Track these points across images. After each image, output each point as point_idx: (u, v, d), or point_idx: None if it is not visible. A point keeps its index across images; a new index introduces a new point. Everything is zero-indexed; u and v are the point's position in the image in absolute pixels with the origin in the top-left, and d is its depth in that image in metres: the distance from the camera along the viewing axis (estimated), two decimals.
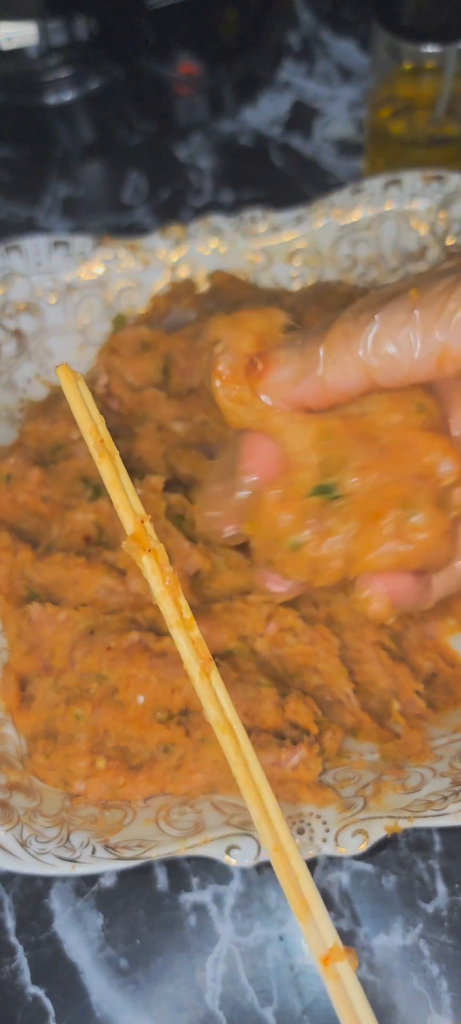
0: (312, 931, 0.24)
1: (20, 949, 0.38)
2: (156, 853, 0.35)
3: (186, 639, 0.26)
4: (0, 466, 0.46)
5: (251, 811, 0.25)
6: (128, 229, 0.65)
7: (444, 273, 0.26)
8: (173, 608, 0.26)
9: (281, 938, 0.38)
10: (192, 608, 0.41)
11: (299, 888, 0.25)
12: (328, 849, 0.34)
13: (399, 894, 0.38)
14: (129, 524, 0.26)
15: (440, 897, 0.38)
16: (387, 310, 0.26)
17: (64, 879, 0.39)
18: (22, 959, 0.38)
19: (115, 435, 0.48)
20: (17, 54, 0.62)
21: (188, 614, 0.26)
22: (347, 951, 0.24)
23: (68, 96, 0.65)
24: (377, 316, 0.26)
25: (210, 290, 0.53)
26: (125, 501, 0.26)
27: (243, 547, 0.43)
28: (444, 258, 0.52)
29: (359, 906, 0.38)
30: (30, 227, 0.65)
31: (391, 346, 0.25)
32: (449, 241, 0.52)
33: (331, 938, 0.24)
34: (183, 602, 0.26)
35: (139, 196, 0.67)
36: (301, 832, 0.35)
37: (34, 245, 0.52)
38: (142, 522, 0.26)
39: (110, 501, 0.43)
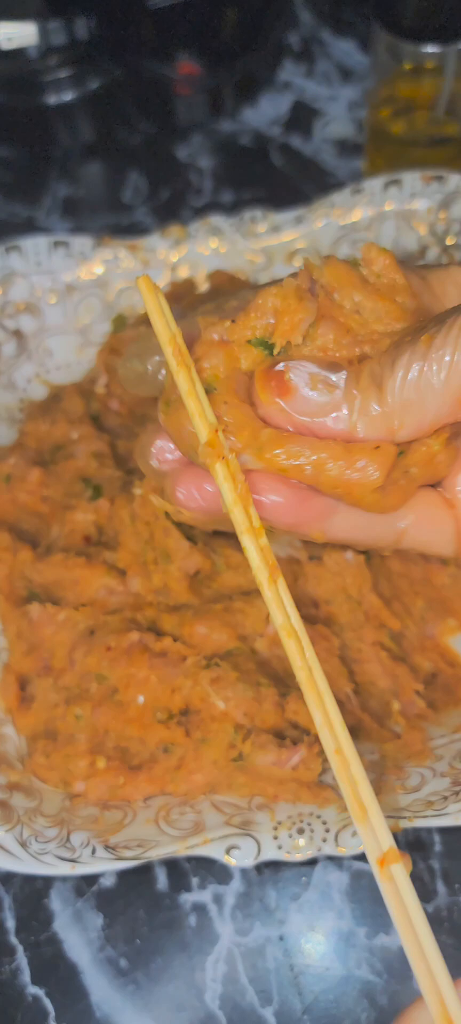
0: (369, 834, 0.25)
1: (20, 949, 0.38)
2: (156, 853, 0.35)
3: (256, 546, 0.26)
4: (0, 466, 0.46)
5: (313, 715, 0.26)
6: (128, 229, 0.64)
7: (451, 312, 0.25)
8: (244, 515, 0.26)
9: (281, 938, 0.38)
10: (192, 608, 0.41)
11: (358, 792, 0.25)
12: (328, 849, 0.34)
13: None
14: (204, 432, 0.26)
15: (440, 897, 0.38)
16: (401, 358, 0.25)
17: (64, 879, 0.39)
18: (22, 959, 0.38)
19: (115, 435, 0.49)
20: (17, 54, 0.62)
21: (257, 523, 0.26)
22: (402, 855, 0.25)
23: (68, 96, 0.65)
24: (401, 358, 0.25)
25: (210, 290, 0.53)
26: (200, 409, 0.26)
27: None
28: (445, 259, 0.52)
29: (359, 906, 0.38)
30: (30, 227, 0.65)
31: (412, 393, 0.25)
32: (449, 241, 0.52)
33: (387, 842, 0.25)
34: (253, 511, 0.26)
35: (139, 196, 0.67)
36: (301, 832, 0.35)
37: (34, 245, 0.52)
38: (216, 431, 0.26)
39: (110, 500, 0.44)
